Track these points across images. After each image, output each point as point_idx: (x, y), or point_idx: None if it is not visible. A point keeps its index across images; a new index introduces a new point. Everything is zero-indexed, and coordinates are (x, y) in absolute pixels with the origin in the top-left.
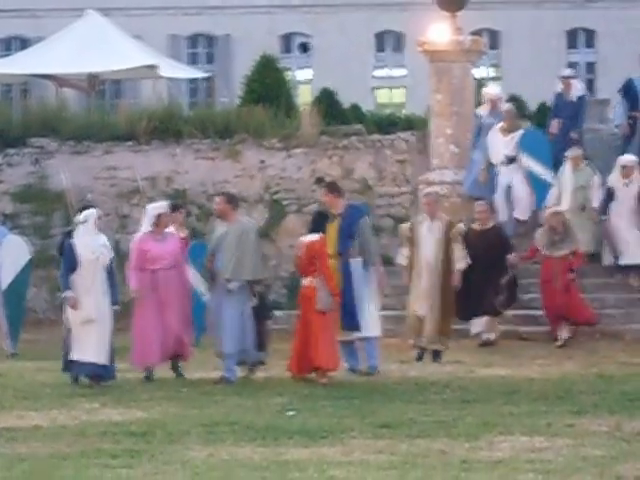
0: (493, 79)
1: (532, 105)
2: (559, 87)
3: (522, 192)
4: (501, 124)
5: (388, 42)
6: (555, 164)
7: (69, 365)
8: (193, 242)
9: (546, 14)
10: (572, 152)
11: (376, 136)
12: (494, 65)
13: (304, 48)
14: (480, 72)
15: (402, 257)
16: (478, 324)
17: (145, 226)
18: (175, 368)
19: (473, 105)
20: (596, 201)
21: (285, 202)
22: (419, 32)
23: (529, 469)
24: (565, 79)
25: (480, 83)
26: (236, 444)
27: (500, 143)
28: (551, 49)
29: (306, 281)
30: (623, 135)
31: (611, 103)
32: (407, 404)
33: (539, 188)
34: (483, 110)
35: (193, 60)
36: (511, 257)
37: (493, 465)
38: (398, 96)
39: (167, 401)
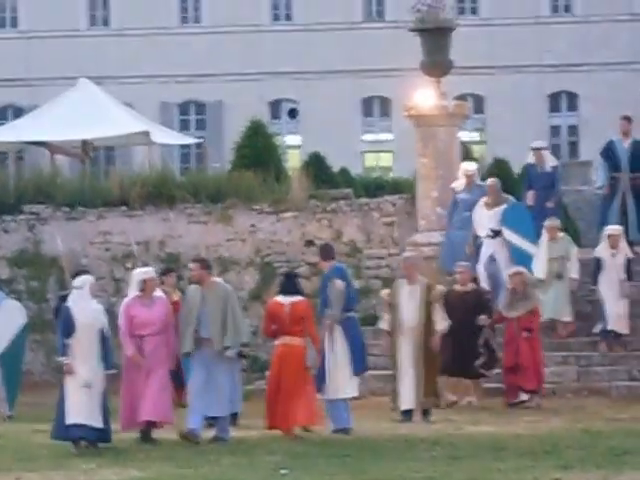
0: (478, 143)
1: (516, 168)
2: (531, 158)
3: (504, 264)
4: (485, 198)
5: (375, 107)
6: (535, 232)
7: (63, 430)
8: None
9: (528, 78)
10: (549, 222)
11: (364, 199)
12: (479, 129)
13: (293, 114)
14: (465, 136)
15: (384, 322)
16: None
17: (132, 291)
18: (145, 433)
19: (459, 168)
20: (574, 272)
21: (276, 265)
22: (405, 97)
23: None
24: (536, 150)
25: (465, 147)
26: None
27: (485, 217)
28: (534, 112)
29: (291, 340)
30: (604, 196)
31: (593, 165)
32: (397, 461)
33: (522, 261)
34: (458, 185)
35: (184, 126)
36: (482, 318)
37: None
38: (385, 160)
39: (162, 461)
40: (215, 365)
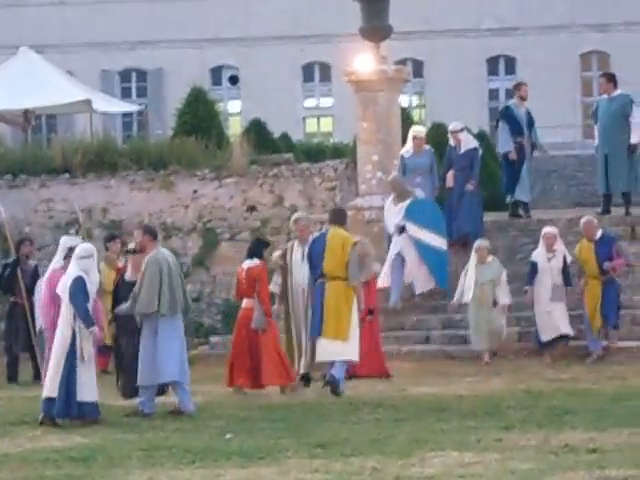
0: (417, 107)
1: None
2: (451, 140)
3: (414, 263)
4: (393, 195)
5: (315, 73)
6: (453, 216)
7: (75, 408)
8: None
9: (467, 42)
10: (478, 243)
11: (305, 164)
12: (418, 93)
13: (233, 80)
14: (405, 100)
15: (274, 285)
16: None
17: (58, 258)
18: None
19: (399, 132)
20: (503, 297)
21: (218, 230)
22: (345, 63)
23: None
24: (453, 133)
25: (405, 111)
26: (175, 467)
27: (392, 214)
28: (472, 76)
29: (246, 303)
30: (511, 161)
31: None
32: (341, 424)
33: (431, 257)
34: (406, 150)
35: (126, 94)
36: None
37: None
38: (326, 125)
39: (107, 427)
40: (159, 334)
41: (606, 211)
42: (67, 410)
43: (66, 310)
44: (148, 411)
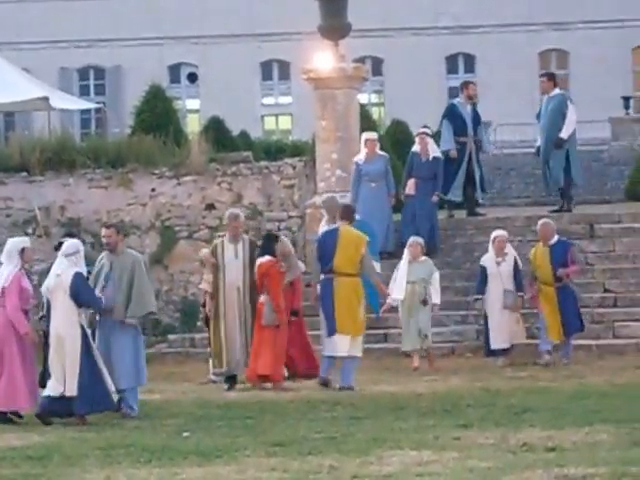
0: (377, 105)
1: (414, 129)
2: (416, 146)
3: None
4: (327, 216)
5: (274, 71)
6: (413, 224)
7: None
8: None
9: (426, 40)
10: (412, 240)
11: (264, 162)
12: (377, 91)
13: (192, 78)
14: (364, 98)
15: (205, 283)
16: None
17: (7, 261)
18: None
19: (358, 130)
20: (435, 297)
21: (176, 228)
22: (303, 60)
23: None
24: (421, 135)
25: (364, 109)
26: (132, 466)
27: None
28: (432, 74)
29: (261, 298)
30: (451, 159)
31: (492, 125)
32: (299, 422)
33: (366, 282)
34: (361, 157)
35: (84, 92)
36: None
37: (383, 479)
38: (285, 123)
39: (65, 425)
40: (116, 336)
41: (568, 210)
42: (100, 405)
43: (67, 309)
44: (135, 414)
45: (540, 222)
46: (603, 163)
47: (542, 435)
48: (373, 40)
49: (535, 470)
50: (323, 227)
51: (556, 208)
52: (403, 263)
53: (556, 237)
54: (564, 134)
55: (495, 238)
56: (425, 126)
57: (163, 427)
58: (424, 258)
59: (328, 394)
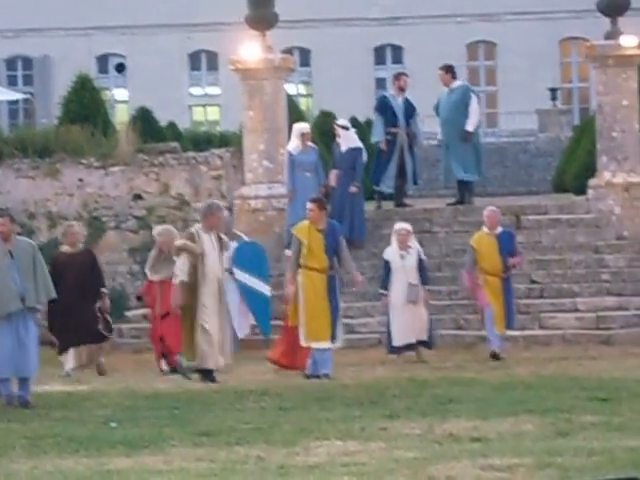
0: (305, 96)
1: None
2: (338, 137)
3: (236, 308)
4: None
5: (202, 61)
6: (337, 217)
7: None
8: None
9: (354, 31)
10: (398, 224)
11: (191, 153)
12: (305, 82)
13: (120, 68)
14: (292, 89)
15: (182, 273)
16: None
17: None
18: None
19: (285, 121)
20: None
21: (104, 219)
22: (231, 51)
23: (344, 472)
24: (338, 128)
25: (292, 100)
26: (60, 456)
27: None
28: (359, 65)
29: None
30: (382, 151)
31: (419, 116)
32: (226, 412)
33: (256, 303)
34: (294, 147)
35: (12, 82)
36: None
37: (309, 469)
38: (213, 114)
39: None
40: (23, 324)
41: (461, 202)
42: None
43: None
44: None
45: (487, 210)
46: (530, 154)
47: (468, 425)
48: (301, 31)
49: (460, 460)
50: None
51: (454, 201)
52: None
53: (500, 227)
54: (470, 127)
55: (397, 231)
56: (342, 121)
57: (90, 418)
58: None
59: (256, 385)
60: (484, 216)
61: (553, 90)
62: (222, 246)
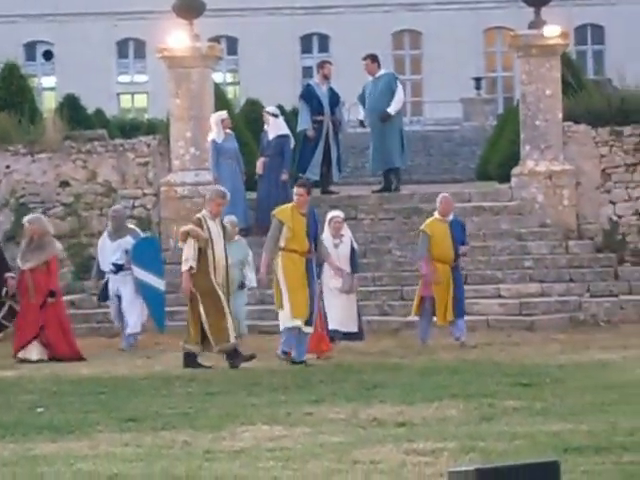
0: (232, 84)
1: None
2: (266, 125)
3: (131, 304)
4: (109, 227)
5: (130, 49)
6: (264, 204)
7: None
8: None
9: (281, 20)
10: (229, 220)
11: (118, 140)
12: (232, 70)
13: (48, 55)
14: (219, 77)
15: (192, 259)
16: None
17: None
18: None
19: (212, 109)
20: (252, 279)
21: (31, 206)
22: (159, 39)
23: (269, 457)
24: (266, 115)
25: (219, 88)
26: None
27: (108, 249)
28: (286, 54)
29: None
30: (308, 139)
31: (346, 105)
32: (152, 398)
33: (151, 298)
34: (216, 135)
35: None
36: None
37: (235, 454)
38: (140, 101)
39: None
40: None
41: (387, 189)
42: None
43: None
44: None
45: (441, 196)
46: (454, 143)
47: (392, 410)
48: (228, 19)
49: (385, 445)
50: (105, 241)
51: (379, 188)
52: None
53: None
54: (392, 109)
55: (332, 219)
56: (271, 108)
57: (16, 403)
58: (237, 237)
59: (184, 371)
60: (438, 202)
61: (477, 79)
62: (225, 234)
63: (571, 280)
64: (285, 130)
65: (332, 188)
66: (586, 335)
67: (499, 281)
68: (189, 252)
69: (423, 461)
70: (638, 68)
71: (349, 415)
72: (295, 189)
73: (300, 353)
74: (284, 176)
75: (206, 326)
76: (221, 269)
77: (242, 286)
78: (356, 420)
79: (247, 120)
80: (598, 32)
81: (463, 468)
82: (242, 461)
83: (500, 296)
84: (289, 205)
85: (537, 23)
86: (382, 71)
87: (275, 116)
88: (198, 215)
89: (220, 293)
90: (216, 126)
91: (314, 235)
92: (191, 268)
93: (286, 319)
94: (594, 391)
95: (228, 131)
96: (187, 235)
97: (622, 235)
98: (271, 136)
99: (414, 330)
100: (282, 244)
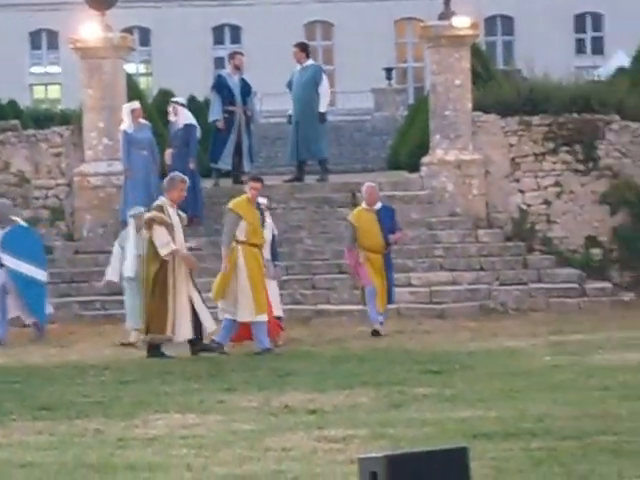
0: (144, 74)
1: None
2: (171, 115)
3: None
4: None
5: (43, 40)
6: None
7: None
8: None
9: (193, 11)
10: (134, 211)
11: (31, 131)
12: (145, 61)
13: None
14: (132, 68)
15: (169, 243)
16: None
17: None
18: None
19: (125, 100)
20: None
21: None
22: (72, 30)
23: (182, 444)
24: (173, 104)
25: (132, 79)
26: None
27: None
28: (199, 45)
29: None
30: (220, 129)
31: (258, 95)
32: (66, 387)
33: (28, 290)
34: (127, 126)
35: None
36: None
37: (148, 442)
38: (54, 92)
39: None
40: None
41: (298, 179)
42: None
43: None
44: None
45: (365, 186)
46: (366, 133)
47: (304, 398)
48: (141, 10)
49: (296, 432)
50: None
51: (290, 177)
52: (129, 238)
53: (379, 202)
54: (323, 108)
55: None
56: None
57: None
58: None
59: (97, 360)
60: (362, 192)
61: (388, 70)
62: (182, 221)
63: (481, 269)
64: (191, 120)
65: (244, 178)
66: (495, 323)
67: (410, 270)
68: (163, 237)
69: (334, 448)
70: (547, 59)
71: (261, 403)
72: (250, 183)
73: (263, 341)
74: (191, 165)
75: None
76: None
77: None
78: (268, 408)
79: (160, 111)
80: (508, 23)
81: (373, 455)
82: (155, 448)
83: (411, 284)
84: (243, 198)
85: (447, 14)
86: (310, 61)
87: (184, 106)
88: (159, 203)
89: (172, 284)
90: (127, 117)
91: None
92: (173, 250)
93: (247, 314)
94: (503, 378)
95: (143, 121)
96: (152, 222)
97: (531, 224)
98: (179, 126)
99: (325, 318)
100: (242, 238)
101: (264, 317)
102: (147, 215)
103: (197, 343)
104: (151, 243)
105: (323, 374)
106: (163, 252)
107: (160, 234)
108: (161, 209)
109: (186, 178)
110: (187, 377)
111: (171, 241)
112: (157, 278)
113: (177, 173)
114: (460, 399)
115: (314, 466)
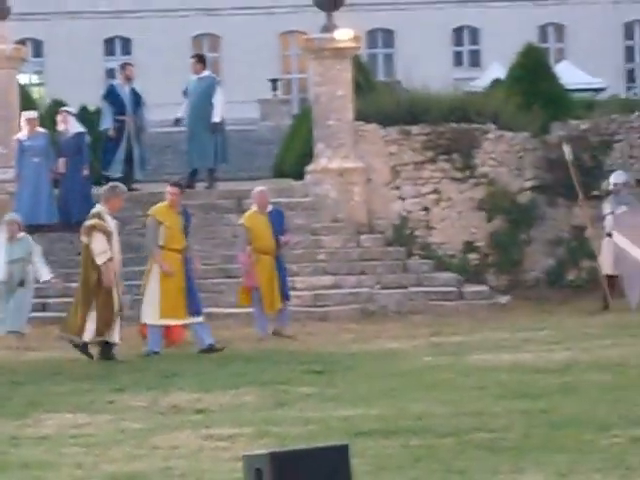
0: (37, 85)
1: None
2: (60, 124)
3: None
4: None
5: None
6: (67, 201)
7: None
8: None
9: (84, 24)
10: (8, 218)
11: None
12: (38, 72)
13: None
14: (25, 78)
15: (107, 251)
16: None
17: None
18: None
19: (18, 109)
20: (45, 274)
21: None
22: None
23: (72, 443)
24: (62, 113)
25: (25, 89)
26: None
27: None
28: (90, 56)
29: None
30: (110, 138)
31: (146, 105)
32: None
33: None
34: (22, 134)
35: None
36: None
37: (39, 440)
38: None
39: None
40: None
41: (189, 186)
42: None
43: None
44: None
45: (256, 190)
46: (252, 142)
47: (191, 398)
48: (33, 23)
49: (183, 431)
50: None
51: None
52: (1, 243)
53: (270, 205)
54: (217, 118)
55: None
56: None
57: None
58: (22, 235)
59: None
60: (252, 196)
61: (274, 81)
62: (117, 229)
63: (362, 273)
64: (80, 128)
65: (135, 186)
66: (377, 325)
67: (294, 274)
68: (101, 245)
69: (220, 446)
70: (426, 70)
71: (150, 403)
72: (168, 188)
73: (207, 339)
74: (85, 172)
75: (95, 316)
76: (117, 264)
77: (22, 284)
78: (156, 407)
79: (52, 119)
80: (388, 36)
81: (258, 452)
82: (46, 447)
83: (295, 288)
84: (162, 204)
85: (329, 27)
86: (206, 72)
87: (73, 115)
88: (97, 210)
89: (113, 289)
90: (24, 125)
91: (187, 232)
92: (109, 259)
93: (150, 316)
94: (384, 378)
95: (40, 129)
96: (93, 229)
97: (411, 230)
98: (69, 134)
99: (213, 321)
100: (161, 243)
101: (168, 322)
102: (88, 222)
103: (108, 349)
104: (88, 249)
105: (209, 374)
106: (100, 260)
107: (99, 242)
108: (100, 216)
109: (125, 189)
110: (78, 378)
111: (108, 249)
112: (99, 285)
113: (117, 183)
114: (342, 398)
115: (201, 463)
